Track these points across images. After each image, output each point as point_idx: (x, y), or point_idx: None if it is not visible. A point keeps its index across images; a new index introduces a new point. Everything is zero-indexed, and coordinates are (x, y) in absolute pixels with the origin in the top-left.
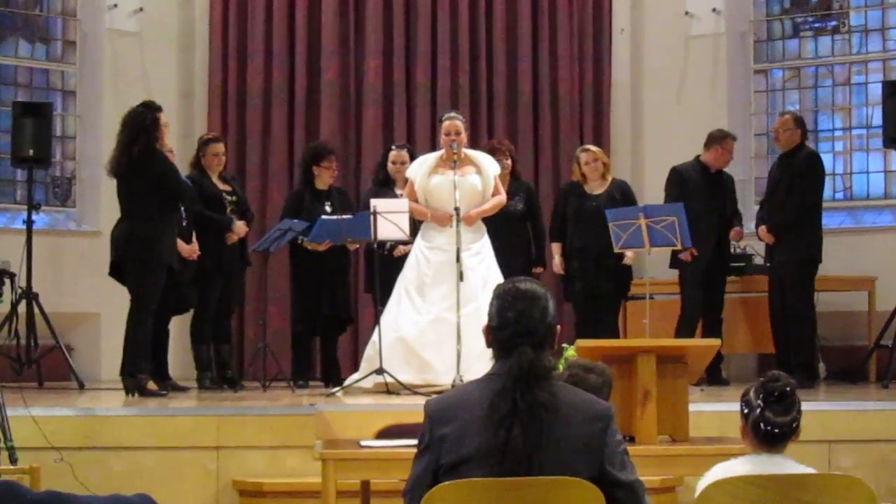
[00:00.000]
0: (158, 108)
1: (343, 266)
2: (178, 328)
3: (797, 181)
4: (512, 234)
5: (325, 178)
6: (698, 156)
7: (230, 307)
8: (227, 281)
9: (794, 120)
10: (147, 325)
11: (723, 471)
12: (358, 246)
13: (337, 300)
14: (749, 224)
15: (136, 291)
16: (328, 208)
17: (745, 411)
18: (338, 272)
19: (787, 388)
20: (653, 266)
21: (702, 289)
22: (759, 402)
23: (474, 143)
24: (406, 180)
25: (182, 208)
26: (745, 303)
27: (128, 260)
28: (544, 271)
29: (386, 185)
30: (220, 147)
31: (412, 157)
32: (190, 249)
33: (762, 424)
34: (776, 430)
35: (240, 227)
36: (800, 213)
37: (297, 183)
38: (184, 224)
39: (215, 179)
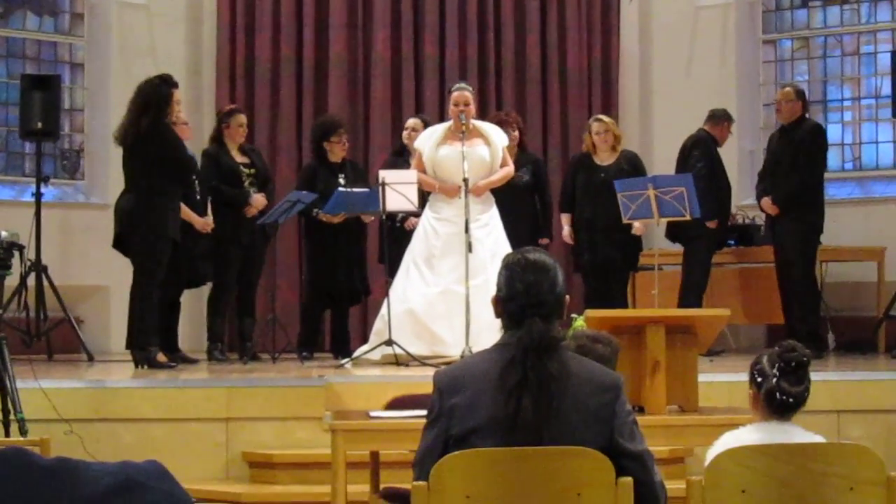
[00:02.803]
0: (174, 84)
1: (359, 239)
2: (189, 301)
3: (801, 154)
4: (519, 205)
5: (336, 152)
6: (705, 129)
7: (252, 280)
8: (247, 254)
9: (795, 92)
10: (153, 298)
11: (732, 439)
12: (373, 219)
13: (353, 273)
14: (751, 196)
15: (140, 264)
16: (342, 181)
17: (759, 380)
18: (354, 246)
19: (804, 359)
20: (662, 237)
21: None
22: (774, 371)
23: (482, 116)
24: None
25: (196, 181)
26: (754, 273)
27: (132, 233)
28: (551, 242)
29: (400, 155)
30: (244, 118)
31: (426, 124)
32: (203, 222)
33: (778, 394)
34: (790, 400)
35: (257, 199)
36: (805, 186)
37: (311, 157)
38: (197, 197)
39: (234, 152)
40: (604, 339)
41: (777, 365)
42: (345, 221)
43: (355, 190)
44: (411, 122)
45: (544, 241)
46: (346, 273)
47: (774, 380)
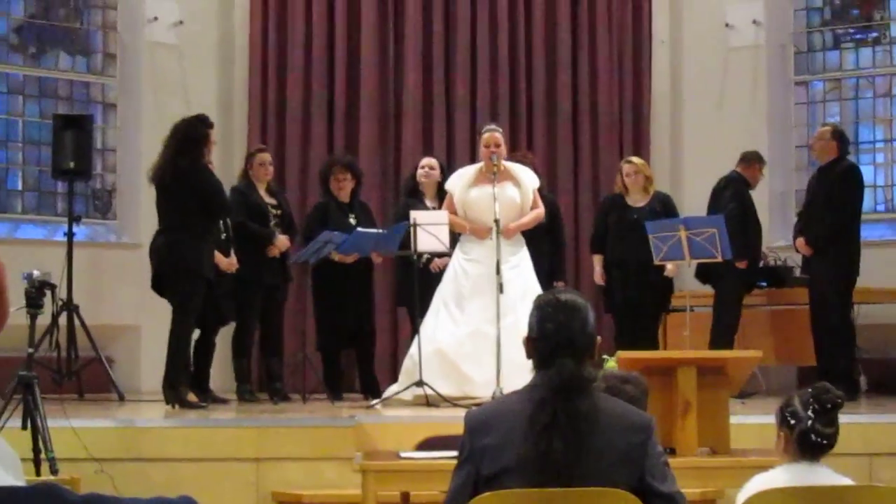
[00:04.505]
0: (211, 125)
1: (367, 279)
2: (218, 340)
3: (835, 194)
4: (533, 246)
5: (339, 189)
6: (738, 171)
7: (275, 321)
8: (269, 294)
9: (831, 132)
10: (187, 337)
11: (762, 482)
12: (381, 259)
13: (360, 313)
14: (788, 236)
15: (176, 304)
16: (353, 220)
17: (792, 422)
18: (361, 285)
19: (838, 400)
20: (693, 279)
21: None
22: (809, 413)
23: (508, 157)
24: (434, 187)
25: (222, 221)
26: (785, 314)
27: (170, 273)
28: (566, 285)
29: (414, 195)
30: (266, 157)
31: (441, 167)
32: (228, 262)
33: (813, 435)
34: (824, 442)
35: (281, 240)
36: (837, 227)
37: (321, 195)
38: (223, 237)
39: (262, 191)
40: (633, 379)
41: (812, 407)
42: (355, 261)
43: (372, 231)
44: (426, 161)
45: (559, 283)
46: (354, 312)
47: (809, 422)
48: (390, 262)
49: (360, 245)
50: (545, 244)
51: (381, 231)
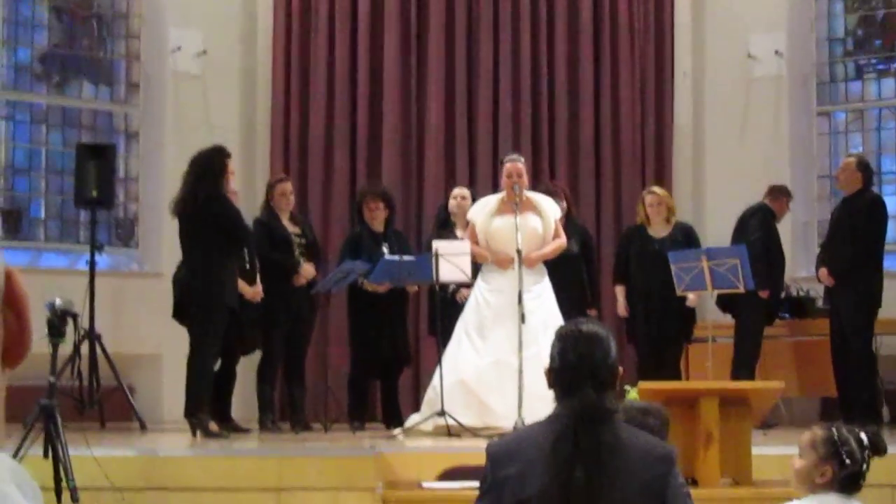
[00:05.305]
0: (228, 155)
1: (402, 308)
2: (239, 370)
3: (858, 224)
4: (566, 275)
5: (372, 219)
6: (765, 202)
7: (300, 350)
8: (295, 323)
9: (856, 163)
10: (209, 367)
11: None
12: (417, 288)
13: (397, 343)
14: (810, 267)
15: (198, 334)
16: (386, 250)
17: (847, 462)
18: (397, 314)
19: (887, 446)
20: (715, 309)
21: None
22: (865, 456)
23: (534, 187)
24: (465, 216)
25: (246, 250)
26: (808, 345)
27: (191, 303)
28: (600, 314)
29: (445, 227)
30: (287, 186)
31: (473, 198)
32: (253, 292)
33: (861, 480)
34: (863, 482)
35: (307, 269)
36: (860, 257)
37: (355, 225)
38: (247, 267)
39: (286, 221)
40: (654, 411)
41: (867, 451)
42: (389, 290)
43: (401, 258)
44: (458, 190)
45: (592, 311)
46: (389, 342)
47: (864, 466)
48: (419, 291)
49: (392, 273)
50: (577, 274)
51: (407, 258)
